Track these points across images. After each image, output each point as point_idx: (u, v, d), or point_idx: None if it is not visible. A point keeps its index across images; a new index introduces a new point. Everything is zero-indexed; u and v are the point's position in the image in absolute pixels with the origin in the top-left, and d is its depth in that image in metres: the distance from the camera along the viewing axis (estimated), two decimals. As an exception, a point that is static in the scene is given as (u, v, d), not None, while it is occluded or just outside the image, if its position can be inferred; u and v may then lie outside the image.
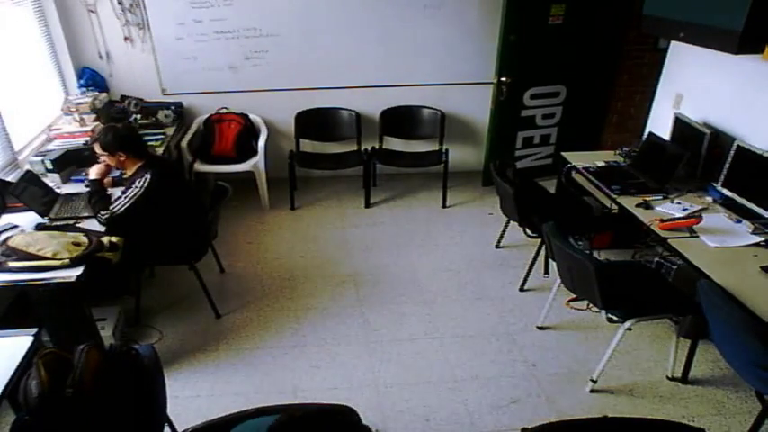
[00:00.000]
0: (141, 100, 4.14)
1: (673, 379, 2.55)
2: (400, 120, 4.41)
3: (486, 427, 2.33)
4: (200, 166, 4.06)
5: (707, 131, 2.92)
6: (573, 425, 1.37)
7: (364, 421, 2.36)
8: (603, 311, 2.47)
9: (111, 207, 2.56)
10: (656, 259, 3.02)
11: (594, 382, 2.49)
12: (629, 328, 2.34)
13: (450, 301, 3.14)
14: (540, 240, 3.12)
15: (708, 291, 2.04)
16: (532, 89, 4.25)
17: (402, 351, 2.77)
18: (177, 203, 2.78)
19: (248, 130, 4.22)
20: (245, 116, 4.23)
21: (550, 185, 3.69)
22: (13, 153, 3.19)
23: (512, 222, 3.38)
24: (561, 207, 3.47)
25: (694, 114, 3.18)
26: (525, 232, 3.16)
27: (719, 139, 2.92)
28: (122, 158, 2.61)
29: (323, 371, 2.64)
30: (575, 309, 3.04)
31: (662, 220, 2.54)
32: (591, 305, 2.96)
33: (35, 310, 2.27)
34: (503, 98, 4.12)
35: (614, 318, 2.41)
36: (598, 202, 3.29)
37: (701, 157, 2.95)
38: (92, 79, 4.00)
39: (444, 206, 4.26)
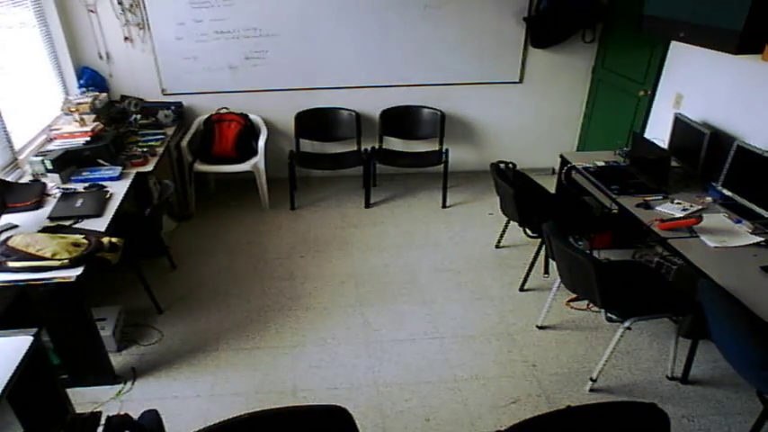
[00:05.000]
0: (141, 100, 4.14)
1: (672, 378, 2.55)
2: (400, 120, 4.41)
3: (487, 427, 2.33)
4: (200, 166, 4.06)
5: (707, 131, 2.92)
6: (541, 420, 1.40)
7: (364, 421, 2.37)
8: (603, 311, 2.47)
9: None
10: (656, 259, 3.02)
11: (594, 381, 2.49)
12: (629, 328, 2.34)
13: (450, 301, 3.14)
14: (540, 240, 3.12)
15: (708, 290, 2.04)
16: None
17: (402, 351, 2.77)
18: None
19: (248, 130, 4.22)
20: (245, 116, 4.24)
21: (550, 185, 3.68)
22: (13, 153, 3.19)
23: (512, 222, 3.38)
24: (561, 207, 3.47)
25: (694, 114, 3.19)
26: (525, 232, 3.16)
27: (719, 139, 2.92)
28: None
29: (323, 371, 2.64)
30: (575, 309, 3.04)
31: (662, 220, 2.54)
32: (591, 305, 2.97)
33: (35, 310, 2.27)
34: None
35: (614, 317, 2.41)
36: (598, 202, 3.29)
37: (700, 157, 2.95)
38: (92, 79, 4.00)
39: (444, 206, 4.26)
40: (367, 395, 2.49)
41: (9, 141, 3.16)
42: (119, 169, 3.14)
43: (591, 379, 2.50)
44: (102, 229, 2.53)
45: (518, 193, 2.98)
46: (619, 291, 2.37)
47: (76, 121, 3.46)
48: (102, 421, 1.50)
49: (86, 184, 2.99)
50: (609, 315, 2.45)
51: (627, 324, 2.33)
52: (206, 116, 4.22)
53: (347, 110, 4.36)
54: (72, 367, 2.47)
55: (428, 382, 2.57)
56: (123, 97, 4.16)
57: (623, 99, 3.96)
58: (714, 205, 2.73)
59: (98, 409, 2.01)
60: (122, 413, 1.56)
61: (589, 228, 3.31)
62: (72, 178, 3.05)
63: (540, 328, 2.91)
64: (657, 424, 1.43)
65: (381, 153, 4.39)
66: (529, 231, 3.14)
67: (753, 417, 2.16)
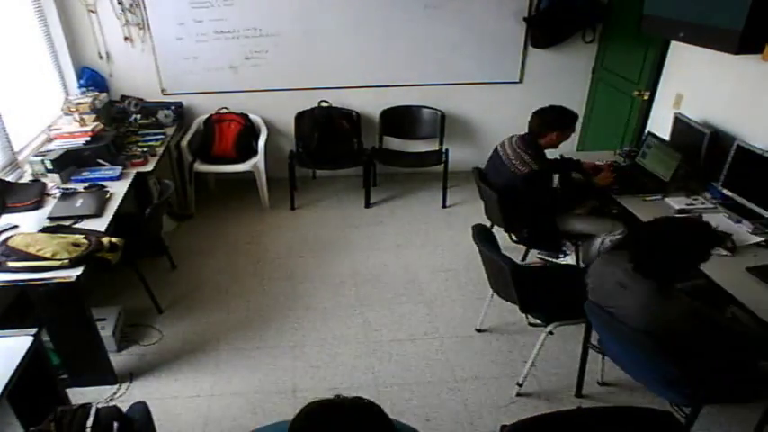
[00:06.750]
0: (141, 100, 4.14)
1: (603, 384, 2.51)
2: (400, 120, 4.41)
3: (486, 427, 2.33)
4: (201, 166, 4.06)
5: (707, 131, 2.92)
6: (548, 419, 1.39)
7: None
8: (524, 315, 2.42)
9: None
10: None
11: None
12: (551, 332, 2.33)
13: (450, 301, 3.14)
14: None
15: (594, 310, 1.96)
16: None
17: (402, 351, 2.77)
18: None
19: (248, 130, 4.21)
20: (245, 116, 4.23)
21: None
22: (13, 153, 3.19)
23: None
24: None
25: (694, 114, 3.18)
26: (511, 238, 3.11)
27: (719, 139, 2.91)
28: None
29: (323, 371, 2.64)
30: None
31: (662, 220, 2.53)
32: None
33: (35, 310, 2.28)
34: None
35: (538, 322, 2.39)
36: (597, 201, 3.28)
37: (701, 157, 2.94)
38: (92, 79, 4.00)
39: (444, 206, 4.26)
40: (367, 395, 2.45)
41: (9, 141, 3.15)
42: (119, 169, 3.14)
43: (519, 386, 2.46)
44: (102, 229, 2.53)
45: (502, 198, 2.88)
46: (542, 295, 2.34)
47: (76, 121, 3.46)
48: (92, 414, 1.49)
49: (86, 184, 2.98)
50: (530, 320, 2.42)
51: (549, 329, 2.32)
52: (206, 116, 4.22)
53: (348, 110, 4.35)
54: (72, 367, 2.47)
55: (428, 382, 2.57)
56: (123, 97, 4.16)
57: (621, 99, 3.96)
58: (714, 205, 2.73)
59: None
60: (111, 405, 1.56)
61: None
62: (72, 178, 3.05)
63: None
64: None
65: (381, 153, 4.39)
66: (515, 237, 3.09)
67: (753, 416, 2.15)
